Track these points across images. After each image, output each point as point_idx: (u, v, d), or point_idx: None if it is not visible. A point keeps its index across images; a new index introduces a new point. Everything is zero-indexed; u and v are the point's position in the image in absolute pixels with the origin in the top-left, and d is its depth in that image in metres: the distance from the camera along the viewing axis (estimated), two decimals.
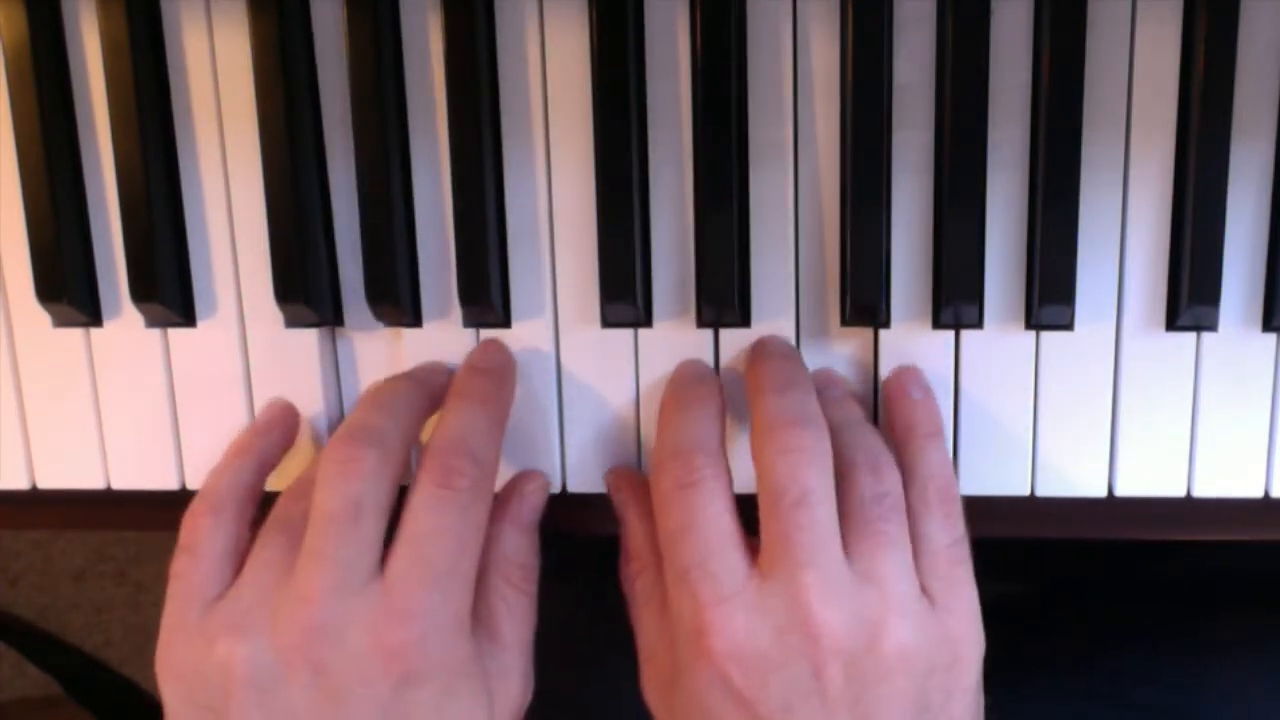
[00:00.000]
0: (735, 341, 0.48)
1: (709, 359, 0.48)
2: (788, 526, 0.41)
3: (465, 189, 0.46)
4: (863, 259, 0.45)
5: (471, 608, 0.44)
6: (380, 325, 0.49)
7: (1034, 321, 0.47)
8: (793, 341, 0.48)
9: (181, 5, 0.47)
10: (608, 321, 0.48)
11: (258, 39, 0.46)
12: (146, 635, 1.39)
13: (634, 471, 0.49)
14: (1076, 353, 0.47)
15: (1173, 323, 0.47)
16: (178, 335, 0.49)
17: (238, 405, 0.50)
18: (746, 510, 0.44)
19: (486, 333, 0.49)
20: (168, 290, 0.48)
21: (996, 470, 0.48)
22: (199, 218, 0.48)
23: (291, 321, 0.49)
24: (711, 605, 0.41)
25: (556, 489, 0.50)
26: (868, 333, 0.48)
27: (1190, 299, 0.45)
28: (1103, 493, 0.48)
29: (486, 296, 0.47)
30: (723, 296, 0.46)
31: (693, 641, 0.42)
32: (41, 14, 0.47)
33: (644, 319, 0.48)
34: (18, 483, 0.51)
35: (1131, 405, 0.47)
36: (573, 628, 0.62)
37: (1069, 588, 0.68)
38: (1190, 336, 0.47)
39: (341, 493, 0.42)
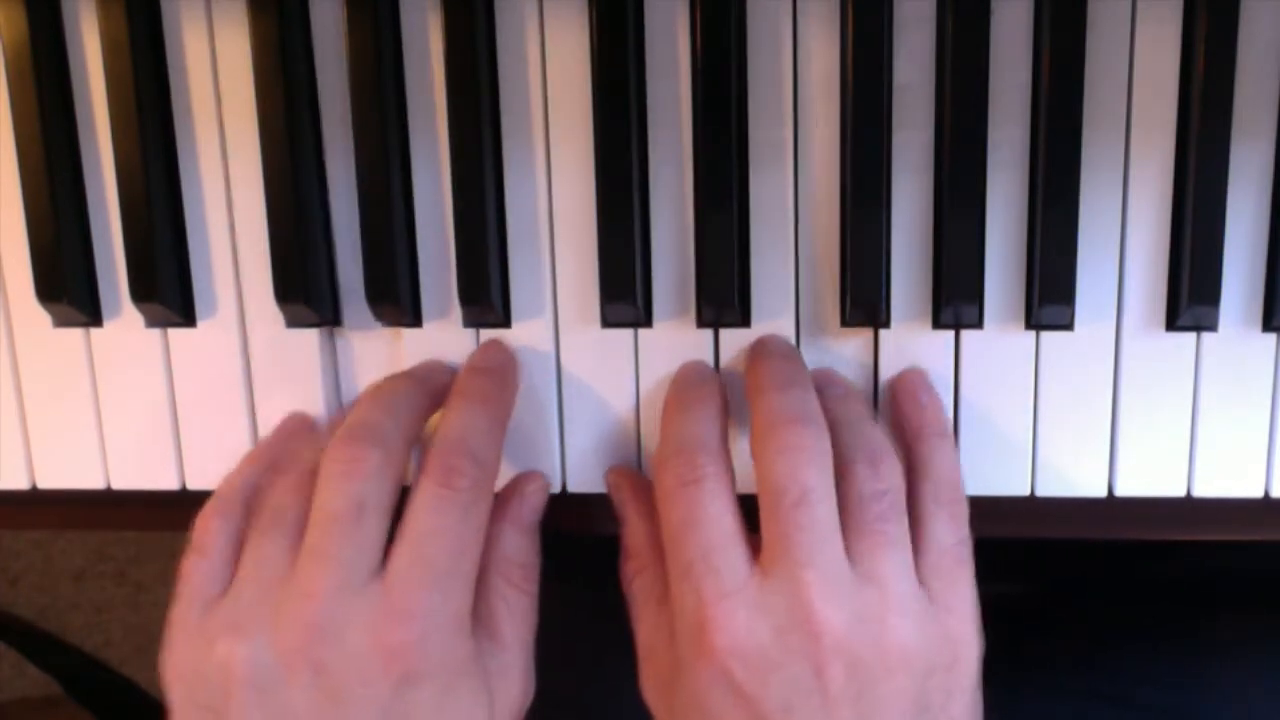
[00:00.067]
0: (735, 341, 0.48)
1: (709, 359, 0.48)
2: (788, 526, 0.41)
3: (465, 189, 0.46)
4: (863, 259, 0.45)
5: (472, 608, 0.44)
6: (380, 325, 0.49)
7: (1034, 321, 0.47)
8: (793, 341, 0.48)
9: (181, 5, 0.47)
10: (608, 321, 0.48)
11: (258, 39, 0.46)
12: (146, 635, 1.39)
13: (634, 471, 0.49)
14: (1076, 353, 0.47)
15: (1173, 323, 0.47)
16: (178, 335, 0.49)
17: (238, 405, 0.50)
18: (747, 508, 0.44)
19: (486, 333, 0.49)
20: (168, 290, 0.48)
21: (996, 470, 0.48)
22: (199, 218, 0.48)
23: (291, 321, 0.49)
24: (714, 601, 0.41)
25: (556, 489, 0.50)
26: (868, 333, 0.48)
27: (1190, 299, 0.45)
28: (1103, 493, 0.48)
29: (486, 296, 0.47)
30: (723, 296, 0.46)
31: (694, 638, 0.42)
32: (41, 14, 0.47)
33: (644, 319, 0.48)
34: (18, 483, 0.51)
35: (1131, 405, 0.47)
36: (572, 627, 0.62)
37: (1069, 588, 0.68)
38: (1190, 336, 0.47)
39: (345, 493, 0.42)
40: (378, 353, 0.49)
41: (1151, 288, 0.47)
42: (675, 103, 0.46)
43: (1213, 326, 0.46)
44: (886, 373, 0.48)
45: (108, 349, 0.50)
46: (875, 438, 0.44)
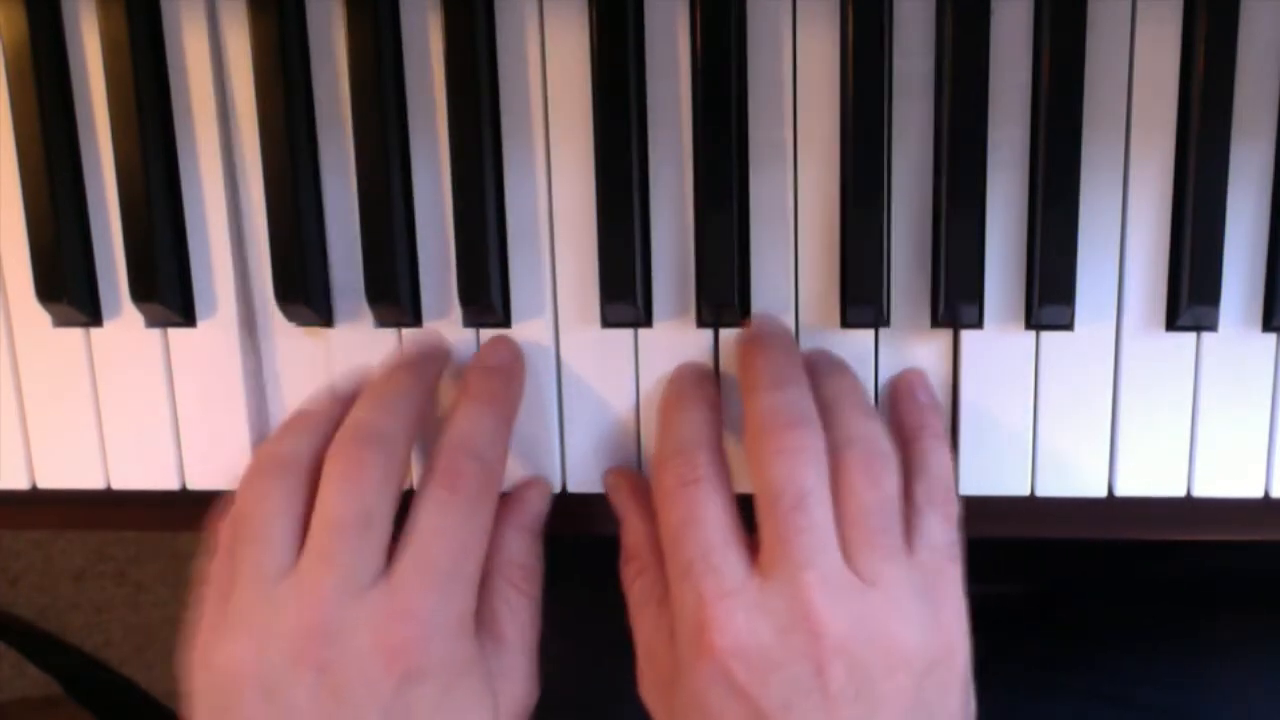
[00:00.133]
0: (735, 342, 0.48)
1: (709, 359, 0.48)
2: (786, 530, 0.41)
3: (465, 189, 0.46)
4: (863, 259, 0.45)
5: (476, 610, 0.45)
6: (380, 324, 0.49)
7: (1034, 321, 0.47)
8: None
9: (181, 5, 0.47)
10: (608, 321, 0.48)
11: (258, 39, 0.46)
12: (146, 635, 1.39)
13: (633, 472, 0.49)
14: (1076, 353, 0.47)
15: (1173, 323, 0.47)
16: (178, 335, 0.49)
17: (238, 405, 0.50)
18: (745, 507, 0.44)
19: (487, 333, 0.49)
20: (168, 290, 0.48)
21: (996, 470, 0.48)
22: (199, 218, 0.48)
23: (292, 321, 0.49)
24: (714, 600, 0.42)
25: (556, 489, 0.50)
26: (868, 333, 0.48)
27: (1190, 299, 0.45)
28: (1103, 493, 0.48)
29: (486, 296, 0.47)
30: (723, 296, 0.46)
31: (695, 638, 0.42)
32: (41, 14, 0.47)
33: (644, 319, 0.48)
34: (18, 483, 0.51)
35: (1131, 405, 0.47)
36: (572, 628, 0.62)
37: (1069, 588, 0.68)
38: (1190, 336, 0.47)
39: (350, 501, 0.42)
40: (378, 353, 0.49)
41: (1151, 288, 0.47)
42: (675, 103, 0.46)
43: (1213, 326, 0.46)
44: (886, 373, 0.48)
45: (108, 349, 0.50)
46: (869, 431, 0.44)
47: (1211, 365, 0.47)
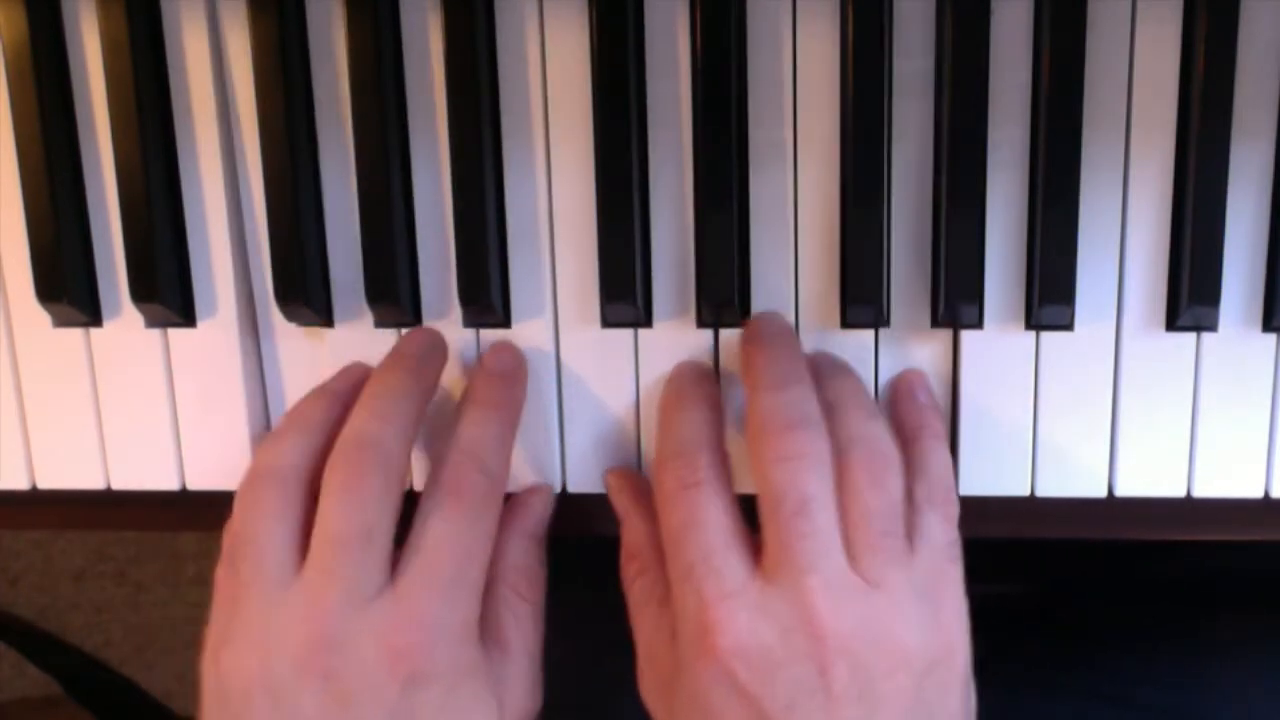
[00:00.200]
0: (735, 342, 0.48)
1: (709, 359, 0.48)
2: (789, 535, 0.42)
3: (465, 189, 0.46)
4: (863, 259, 0.45)
5: (479, 616, 0.45)
6: (378, 324, 0.49)
7: (1034, 321, 0.47)
8: None
9: (181, 5, 0.47)
10: (608, 321, 0.48)
11: (258, 39, 0.46)
12: (146, 635, 1.39)
13: (634, 472, 0.49)
14: (1076, 353, 0.47)
15: (1173, 323, 0.47)
16: (178, 335, 0.49)
17: (238, 405, 0.50)
18: (746, 506, 0.44)
19: (486, 333, 0.49)
20: (168, 290, 0.48)
21: (996, 470, 0.48)
22: (199, 218, 0.48)
23: (292, 321, 0.49)
24: (716, 602, 0.42)
25: (556, 489, 0.50)
26: (868, 333, 0.48)
27: (1190, 299, 0.45)
28: (1103, 493, 0.48)
29: (486, 296, 0.47)
30: (723, 296, 0.46)
31: (697, 639, 0.42)
32: (41, 14, 0.47)
33: (644, 319, 0.48)
34: (18, 483, 0.51)
35: (1131, 405, 0.47)
36: (572, 628, 0.62)
37: (1069, 588, 0.68)
38: (1190, 336, 0.47)
39: (352, 516, 0.42)
40: (378, 352, 0.49)
41: (1151, 288, 0.47)
42: (675, 103, 0.46)
43: (1213, 326, 0.46)
44: (886, 373, 0.48)
45: (108, 349, 0.50)
46: (874, 432, 0.44)
47: (1211, 365, 0.47)
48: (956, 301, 0.46)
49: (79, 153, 0.48)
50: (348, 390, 0.47)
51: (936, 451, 0.46)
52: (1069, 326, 0.47)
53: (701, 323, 0.48)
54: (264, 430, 0.51)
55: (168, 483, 0.50)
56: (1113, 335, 0.47)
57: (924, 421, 0.47)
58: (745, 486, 0.44)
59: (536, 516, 0.49)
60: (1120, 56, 0.45)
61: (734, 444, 0.47)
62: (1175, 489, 0.48)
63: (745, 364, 0.46)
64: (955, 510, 0.45)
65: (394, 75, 0.46)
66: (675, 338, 0.48)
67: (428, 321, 0.49)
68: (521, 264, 0.48)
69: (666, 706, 0.45)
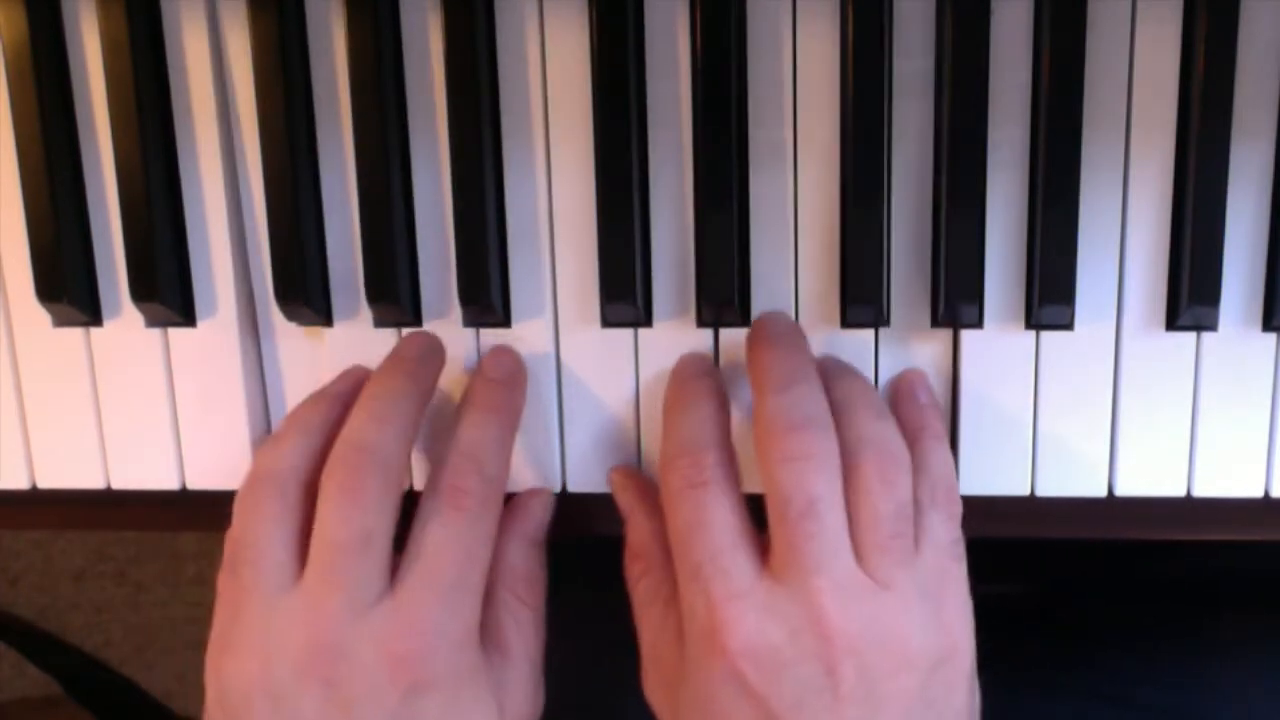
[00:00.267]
0: (735, 341, 0.48)
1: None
2: (796, 536, 0.42)
3: (465, 189, 0.46)
4: (863, 259, 0.45)
5: (480, 622, 0.45)
6: (376, 324, 0.49)
7: (1034, 321, 0.47)
8: None
9: (181, 5, 0.47)
10: (608, 321, 0.48)
11: (258, 39, 0.46)
12: (146, 635, 1.39)
13: (638, 470, 0.49)
14: (1076, 353, 0.47)
15: (1173, 323, 0.47)
16: (178, 335, 0.49)
17: (238, 405, 0.50)
18: (753, 505, 0.44)
19: (486, 333, 0.49)
20: (168, 290, 0.48)
21: (997, 470, 0.48)
22: (199, 218, 0.48)
23: (292, 321, 0.49)
24: (724, 602, 0.42)
25: (556, 489, 0.50)
26: (868, 332, 0.48)
27: (1190, 299, 0.45)
28: (1103, 493, 0.48)
29: (486, 296, 0.47)
30: (723, 296, 0.46)
31: (705, 639, 0.42)
32: (41, 14, 0.47)
33: (644, 319, 0.48)
34: (18, 483, 0.51)
35: (1131, 405, 0.47)
36: (573, 628, 0.62)
37: (1069, 588, 0.68)
38: (1190, 336, 0.47)
39: (350, 523, 0.42)
40: (378, 352, 0.49)
41: (1151, 288, 0.47)
42: (675, 103, 0.46)
43: (1213, 326, 0.46)
44: (886, 373, 0.48)
45: (108, 349, 0.50)
46: (883, 433, 0.44)
47: (1211, 365, 0.47)
48: (956, 301, 0.46)
49: (79, 153, 0.48)
50: (347, 393, 0.47)
51: (938, 451, 0.46)
52: (1069, 326, 0.47)
53: (701, 322, 0.48)
54: (264, 430, 0.51)
55: (168, 482, 0.50)
56: (1113, 335, 0.47)
57: (925, 422, 0.47)
58: (750, 485, 0.44)
59: (536, 520, 0.49)
60: (1120, 56, 0.45)
61: (738, 440, 0.47)
62: (1175, 489, 0.48)
63: (752, 364, 0.46)
64: (958, 510, 0.45)
65: (394, 75, 0.46)
66: (675, 337, 0.48)
67: (428, 321, 0.49)
68: (521, 264, 0.48)
69: (672, 705, 0.45)
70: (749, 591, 0.42)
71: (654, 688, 0.46)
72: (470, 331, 0.49)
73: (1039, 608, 0.67)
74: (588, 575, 0.52)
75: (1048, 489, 0.48)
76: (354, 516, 0.42)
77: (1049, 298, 0.45)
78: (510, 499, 0.49)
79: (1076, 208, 0.45)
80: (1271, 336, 0.47)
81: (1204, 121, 0.44)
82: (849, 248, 0.46)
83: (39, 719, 1.15)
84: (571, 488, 0.50)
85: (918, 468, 0.45)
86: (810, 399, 0.44)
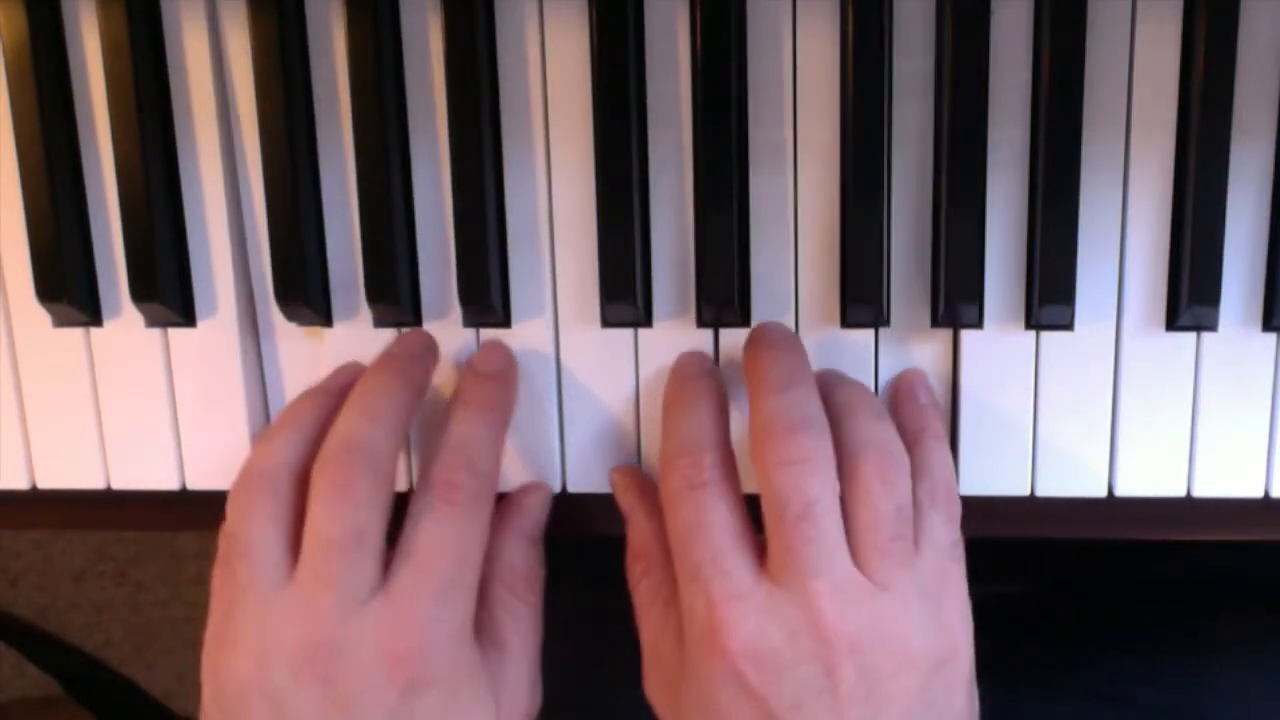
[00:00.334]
0: (735, 342, 0.48)
1: None
2: (794, 539, 0.42)
3: (465, 189, 0.46)
4: (863, 259, 0.45)
5: (477, 618, 0.45)
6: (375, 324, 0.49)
7: (1034, 321, 0.47)
8: None
9: (181, 5, 0.47)
10: (608, 321, 0.48)
11: (258, 39, 0.46)
12: (146, 635, 1.39)
13: (639, 470, 0.49)
14: (1076, 353, 0.47)
15: (1173, 323, 0.47)
16: (178, 335, 0.49)
17: (238, 405, 0.50)
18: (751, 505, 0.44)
19: (486, 333, 0.49)
20: (168, 290, 0.48)
21: (997, 470, 0.48)
22: (199, 218, 0.48)
23: (292, 321, 0.49)
24: (724, 603, 0.42)
25: (556, 489, 0.50)
26: (868, 332, 0.48)
27: (1190, 299, 0.45)
28: (1103, 493, 0.48)
29: (486, 296, 0.47)
30: (723, 296, 0.46)
31: (705, 640, 0.42)
32: (41, 14, 0.47)
33: (644, 319, 0.48)
34: (18, 483, 0.51)
35: (1131, 405, 0.47)
36: (572, 628, 0.63)
37: (1069, 588, 0.68)
38: (1190, 336, 0.47)
39: (342, 520, 0.42)
40: (377, 353, 0.49)
41: (1151, 288, 0.47)
42: (675, 103, 0.46)
43: (1213, 326, 0.46)
44: (886, 373, 0.48)
45: (108, 349, 0.50)
46: (883, 435, 0.44)
47: (1211, 365, 0.47)
48: (956, 301, 0.46)
49: (79, 153, 0.48)
50: (342, 388, 0.47)
51: (938, 452, 0.46)
52: (1069, 326, 0.47)
53: (701, 323, 0.48)
54: (264, 430, 0.51)
55: (168, 483, 0.50)
56: (1113, 335, 0.47)
57: (925, 422, 0.47)
58: (751, 485, 0.44)
59: (532, 516, 0.49)
60: (1120, 56, 0.45)
61: (737, 441, 0.47)
62: (1175, 489, 0.48)
63: (749, 367, 0.46)
64: (958, 510, 0.45)
65: (394, 75, 0.46)
66: (675, 337, 0.48)
67: (428, 321, 0.49)
68: (521, 264, 0.48)
69: (672, 705, 0.45)
70: (749, 593, 0.42)
71: (654, 687, 0.46)
72: (470, 331, 0.49)
73: (1039, 608, 0.67)
74: (587, 575, 0.52)
75: (1047, 489, 0.48)
76: (346, 513, 0.42)
77: (1049, 298, 0.45)
78: (508, 495, 0.49)
79: (1076, 208, 0.45)
80: (1271, 336, 0.47)
81: (1204, 121, 0.44)
82: (849, 248, 0.46)
83: (39, 719, 1.15)
84: (571, 488, 0.50)
85: (918, 469, 0.45)
86: (807, 401, 0.44)
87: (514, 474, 0.50)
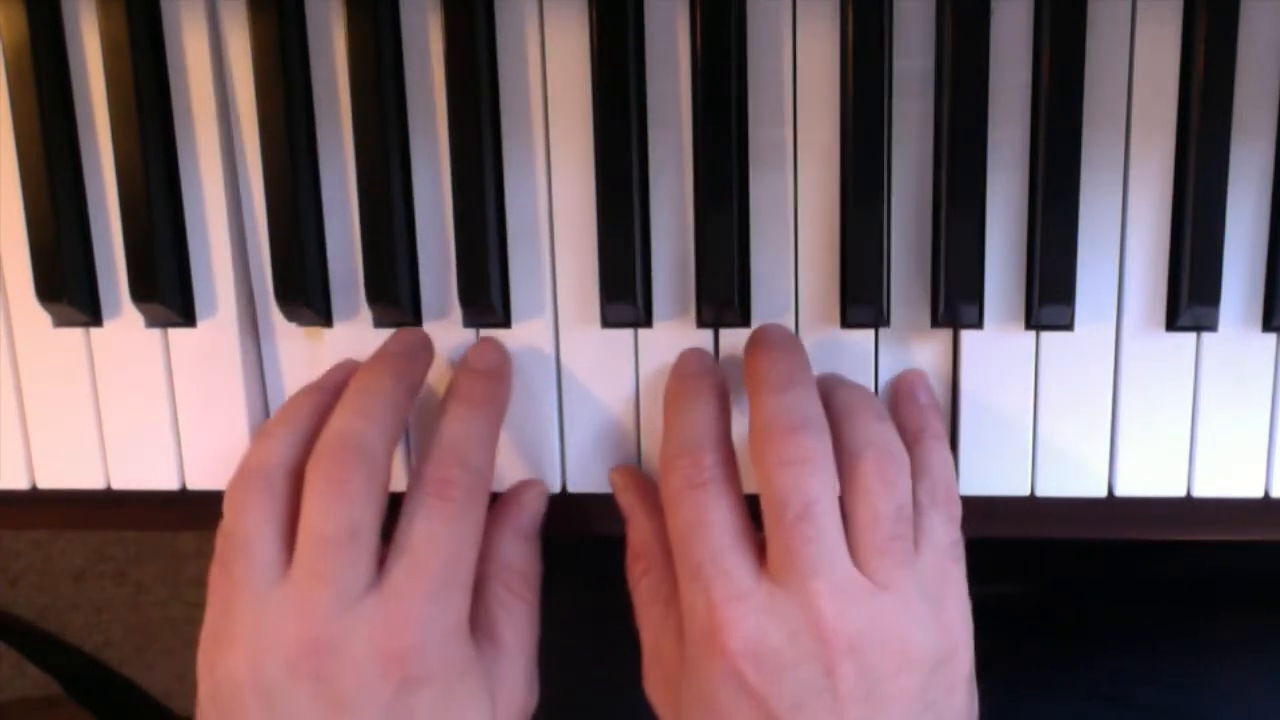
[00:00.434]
0: (735, 342, 0.48)
1: None
2: (793, 540, 0.42)
3: (465, 189, 0.46)
4: (863, 259, 0.45)
5: (472, 614, 0.45)
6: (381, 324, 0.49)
7: (1034, 321, 0.47)
8: None
9: (181, 5, 0.47)
10: (608, 321, 0.48)
11: (258, 39, 0.46)
12: (146, 635, 1.39)
13: (639, 471, 0.49)
14: (1076, 353, 0.47)
15: (1173, 323, 0.47)
16: (178, 335, 0.49)
17: (238, 405, 0.50)
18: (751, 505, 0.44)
19: (486, 333, 0.49)
20: (168, 290, 0.48)
21: (997, 470, 0.48)
22: (199, 218, 0.48)
23: (292, 321, 0.49)
24: (725, 603, 0.42)
25: (556, 489, 0.50)
26: (868, 332, 0.48)
27: (1190, 299, 0.45)
28: (1103, 493, 0.48)
29: (486, 296, 0.47)
30: (723, 296, 0.46)
31: (705, 639, 0.42)
32: (41, 14, 0.47)
33: (644, 319, 0.48)
34: (18, 483, 0.51)
35: (1131, 405, 0.47)
36: (571, 628, 0.63)
37: (1069, 588, 0.68)
38: (1190, 336, 0.47)
39: (336, 516, 0.42)
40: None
41: (1151, 288, 0.47)
42: (675, 103, 0.46)
43: (1213, 326, 0.46)
44: (886, 373, 0.48)
45: (108, 349, 0.50)
46: (884, 435, 0.44)
47: (1211, 365, 0.47)
48: (956, 301, 0.46)
49: (79, 153, 0.48)
50: (337, 386, 0.47)
51: (938, 452, 0.46)
52: (1069, 326, 0.47)
53: (702, 323, 0.48)
54: (260, 427, 0.51)
55: (168, 483, 0.50)
56: (1113, 335, 0.47)
57: (925, 422, 0.47)
58: (751, 485, 0.44)
59: (529, 513, 0.49)
60: (1120, 56, 0.45)
61: (737, 440, 0.47)
62: (1175, 489, 0.48)
63: (749, 369, 0.46)
64: (958, 510, 0.46)
65: (394, 75, 0.46)
66: (675, 338, 0.48)
67: (427, 321, 0.49)
68: (521, 264, 0.48)
69: (672, 704, 0.45)
70: (750, 592, 0.42)
71: (655, 686, 0.46)
72: (470, 332, 0.49)
73: (1039, 608, 0.67)
74: (587, 575, 0.52)
75: (1047, 489, 0.48)
76: (340, 510, 0.42)
77: (1049, 298, 0.45)
78: (504, 492, 0.49)
79: (1076, 208, 0.45)
80: (1271, 337, 0.47)
81: (1204, 121, 0.44)
82: (849, 248, 0.46)
83: (39, 719, 1.15)
84: (571, 488, 0.50)
85: (918, 469, 0.45)
86: (807, 402, 0.44)
87: (513, 474, 0.50)
